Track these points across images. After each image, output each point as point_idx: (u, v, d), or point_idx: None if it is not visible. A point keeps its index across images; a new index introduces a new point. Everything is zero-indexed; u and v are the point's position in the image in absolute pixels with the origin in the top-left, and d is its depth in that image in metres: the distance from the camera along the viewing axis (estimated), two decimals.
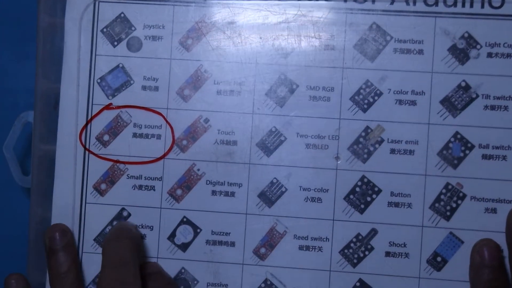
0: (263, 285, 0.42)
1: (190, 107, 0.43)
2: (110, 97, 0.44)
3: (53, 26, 0.44)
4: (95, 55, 0.44)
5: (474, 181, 0.42)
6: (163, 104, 0.44)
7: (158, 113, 0.43)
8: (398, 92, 0.42)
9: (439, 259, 0.41)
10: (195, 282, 0.43)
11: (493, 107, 0.42)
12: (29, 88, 0.49)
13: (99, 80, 0.44)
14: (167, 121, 0.43)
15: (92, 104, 0.44)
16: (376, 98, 0.42)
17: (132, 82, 0.44)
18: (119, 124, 0.44)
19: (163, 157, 0.43)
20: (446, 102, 0.42)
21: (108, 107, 0.44)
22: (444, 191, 0.42)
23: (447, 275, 0.41)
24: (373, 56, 0.42)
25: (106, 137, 0.44)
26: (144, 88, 0.44)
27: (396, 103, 0.42)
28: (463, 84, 0.42)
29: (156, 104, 0.44)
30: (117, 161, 0.44)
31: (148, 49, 0.44)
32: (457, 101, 0.42)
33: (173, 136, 0.43)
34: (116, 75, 0.44)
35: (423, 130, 0.42)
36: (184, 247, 0.43)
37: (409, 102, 0.42)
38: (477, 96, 0.42)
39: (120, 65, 0.44)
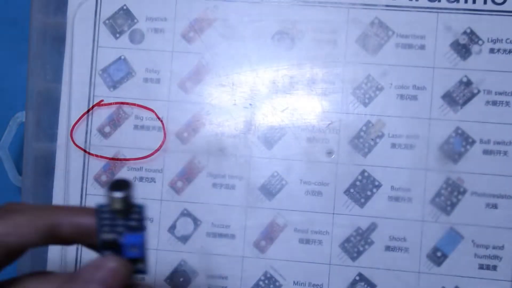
0: (262, 277, 0.42)
1: (191, 99, 0.43)
2: (112, 89, 0.44)
3: (47, 25, 0.44)
4: (97, 47, 0.44)
5: (475, 176, 0.42)
6: (164, 97, 0.44)
7: (149, 109, 0.44)
8: (399, 87, 0.42)
9: (439, 254, 0.41)
10: (195, 274, 0.43)
11: (494, 103, 0.42)
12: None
13: (100, 72, 0.44)
14: (158, 117, 0.43)
15: (93, 96, 0.44)
16: (377, 92, 0.42)
17: (133, 74, 0.44)
18: (120, 116, 0.44)
19: (157, 150, 0.43)
20: (447, 97, 0.42)
21: (99, 103, 0.44)
22: (444, 185, 0.42)
23: (447, 270, 0.41)
24: (374, 50, 0.42)
25: (107, 129, 0.44)
26: (145, 80, 0.44)
27: (397, 98, 0.42)
28: (464, 79, 0.42)
29: (157, 97, 0.44)
30: (113, 159, 0.44)
31: (150, 41, 0.44)
32: (459, 96, 0.42)
33: (164, 131, 0.43)
34: (118, 67, 0.44)
35: (424, 125, 0.42)
36: (184, 239, 0.43)
37: (410, 97, 0.42)
38: (479, 91, 0.42)
39: (122, 57, 0.44)
